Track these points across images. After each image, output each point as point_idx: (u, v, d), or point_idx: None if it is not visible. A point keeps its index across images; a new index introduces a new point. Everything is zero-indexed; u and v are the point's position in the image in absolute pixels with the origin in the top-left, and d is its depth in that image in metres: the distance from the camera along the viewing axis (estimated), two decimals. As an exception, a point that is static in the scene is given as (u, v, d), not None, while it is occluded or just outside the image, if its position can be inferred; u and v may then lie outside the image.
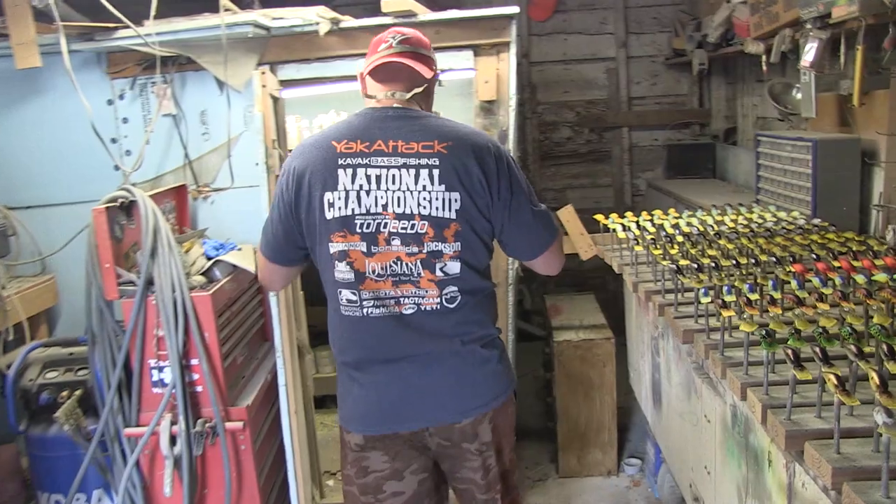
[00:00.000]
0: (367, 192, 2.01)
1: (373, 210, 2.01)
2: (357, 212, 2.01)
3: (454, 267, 2.05)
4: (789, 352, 1.62)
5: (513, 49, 3.40)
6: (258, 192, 2.91)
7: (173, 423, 2.75)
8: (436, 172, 2.01)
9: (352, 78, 3.50)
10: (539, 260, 2.24)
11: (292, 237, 2.15)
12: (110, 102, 3.46)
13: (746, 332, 1.88)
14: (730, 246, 2.80)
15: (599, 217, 3.50)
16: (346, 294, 2.06)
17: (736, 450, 2.12)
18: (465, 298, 2.08)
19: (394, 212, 2.01)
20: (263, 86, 2.75)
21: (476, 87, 3.46)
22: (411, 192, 2.01)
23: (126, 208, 2.84)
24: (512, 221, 2.11)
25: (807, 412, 1.66)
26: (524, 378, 4.79)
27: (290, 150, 4.58)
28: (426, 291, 2.04)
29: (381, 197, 2.01)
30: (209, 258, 2.99)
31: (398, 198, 2.01)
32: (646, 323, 3.35)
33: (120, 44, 3.12)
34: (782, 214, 3.30)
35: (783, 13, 3.36)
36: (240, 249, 3.14)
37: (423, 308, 2.05)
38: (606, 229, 3.46)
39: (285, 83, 3.40)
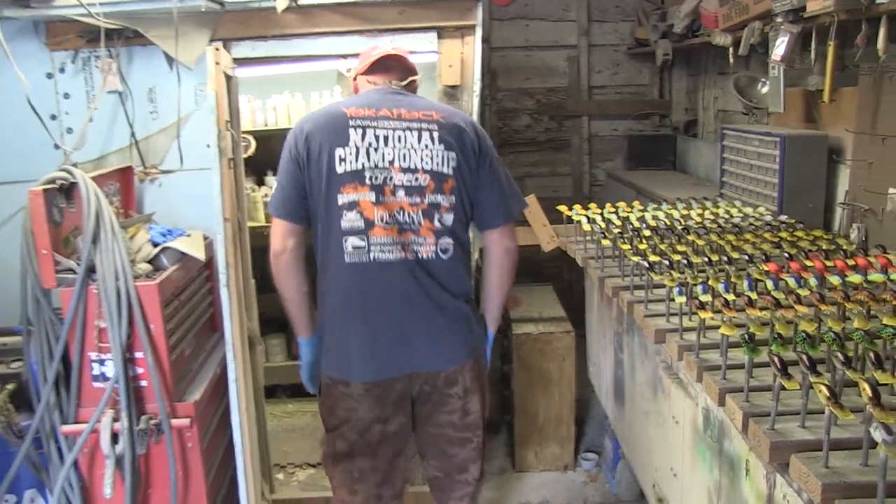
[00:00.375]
0: (376, 150, 2.26)
1: (380, 165, 2.26)
2: (367, 165, 2.25)
3: (449, 219, 2.31)
4: (776, 359, 1.54)
5: (478, 32, 3.28)
6: (210, 176, 2.73)
7: (115, 419, 2.59)
8: (435, 135, 2.30)
9: (310, 58, 3.40)
10: (503, 229, 2.43)
11: (304, 194, 2.32)
12: (50, 76, 3.24)
13: (726, 335, 1.80)
14: (699, 242, 2.74)
15: (563, 208, 3.42)
16: (353, 241, 2.25)
17: (708, 454, 2.05)
18: (455, 251, 2.33)
19: (399, 166, 2.27)
20: (217, 63, 2.58)
21: (439, 70, 3.33)
22: (415, 149, 2.28)
23: (66, 190, 2.65)
24: (491, 186, 2.39)
25: (790, 421, 1.59)
26: (481, 370, 4.70)
27: (244, 133, 4.45)
28: (424, 239, 2.28)
29: (388, 154, 2.27)
30: (156, 245, 2.82)
31: (403, 154, 2.28)
32: (609, 318, 3.28)
33: (60, 13, 2.91)
34: (748, 210, 3.26)
35: (753, 5, 3.30)
36: (189, 236, 2.97)
37: (421, 256, 2.27)
38: (569, 220, 3.38)
39: (239, 61, 3.23)
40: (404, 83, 2.44)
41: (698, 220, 3.17)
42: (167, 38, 3.02)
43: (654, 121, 6.00)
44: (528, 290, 4.61)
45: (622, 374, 3.14)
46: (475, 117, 3.36)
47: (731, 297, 2.05)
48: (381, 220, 2.24)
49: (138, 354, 2.59)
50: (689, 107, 5.78)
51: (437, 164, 2.28)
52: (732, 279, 2.23)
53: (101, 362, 2.60)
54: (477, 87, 3.33)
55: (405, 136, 2.28)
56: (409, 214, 2.26)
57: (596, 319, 3.67)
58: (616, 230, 2.97)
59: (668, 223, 3.06)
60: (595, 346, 3.76)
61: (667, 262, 2.43)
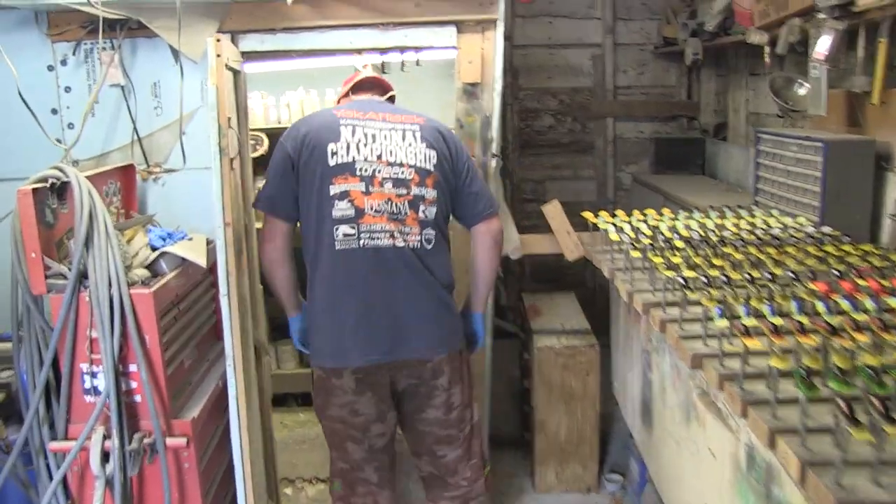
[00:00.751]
0: (365, 145, 2.46)
1: (369, 158, 2.45)
2: (357, 158, 2.44)
3: (432, 211, 2.49)
4: (843, 405, 1.34)
5: (500, 27, 3.09)
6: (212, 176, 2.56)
7: (106, 437, 2.42)
8: (418, 134, 2.54)
9: (321, 52, 3.22)
10: (483, 225, 2.62)
11: (293, 194, 2.49)
12: (51, 68, 3.09)
13: (777, 367, 1.60)
14: (737, 255, 2.53)
15: (588, 215, 3.23)
16: (343, 229, 2.40)
17: (752, 497, 1.84)
18: (438, 242, 2.51)
19: (386, 160, 2.46)
20: (218, 55, 2.40)
21: (458, 67, 3.14)
22: (400, 146, 2.49)
23: (59, 190, 2.48)
24: (471, 183, 2.61)
25: (859, 474, 1.37)
26: (498, 380, 4.48)
27: (253, 131, 4.28)
28: (411, 229, 2.44)
29: (376, 149, 2.47)
30: (154, 249, 2.65)
31: (390, 150, 2.48)
32: (636, 333, 3.08)
33: (58, 1, 2.74)
34: (787, 220, 3.04)
35: (793, 0, 3.08)
36: (190, 239, 2.80)
37: (409, 244, 2.43)
38: (595, 228, 3.19)
39: (247, 56, 3.06)
40: (385, 97, 2.77)
41: (734, 230, 2.96)
42: (171, 30, 2.86)
43: (681, 123, 5.77)
44: (550, 298, 4.40)
45: (650, 395, 2.93)
46: (496, 116, 3.18)
47: (777, 320, 1.84)
48: (371, 209, 2.41)
49: (132, 367, 2.43)
50: (719, 109, 5.54)
51: (421, 161, 2.49)
52: (777, 299, 2.02)
53: (94, 375, 2.43)
54: (498, 85, 3.14)
55: (391, 135, 2.50)
56: (396, 205, 2.43)
57: (622, 333, 3.47)
58: (646, 240, 2.76)
59: (702, 233, 2.85)
60: (620, 361, 3.55)
61: (703, 279, 2.23)
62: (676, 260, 2.49)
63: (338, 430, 2.54)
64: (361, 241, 2.39)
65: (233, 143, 2.57)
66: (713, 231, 2.92)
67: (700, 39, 4.70)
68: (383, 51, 3.80)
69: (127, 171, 3.02)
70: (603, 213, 3.20)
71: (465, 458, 2.64)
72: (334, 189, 2.40)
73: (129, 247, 2.55)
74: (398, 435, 2.68)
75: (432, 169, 2.50)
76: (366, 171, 2.43)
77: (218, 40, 2.38)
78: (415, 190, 2.46)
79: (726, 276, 2.25)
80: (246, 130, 3.15)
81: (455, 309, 2.58)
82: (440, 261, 2.51)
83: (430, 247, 2.47)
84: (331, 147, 2.43)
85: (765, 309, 1.90)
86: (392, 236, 2.40)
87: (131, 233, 2.63)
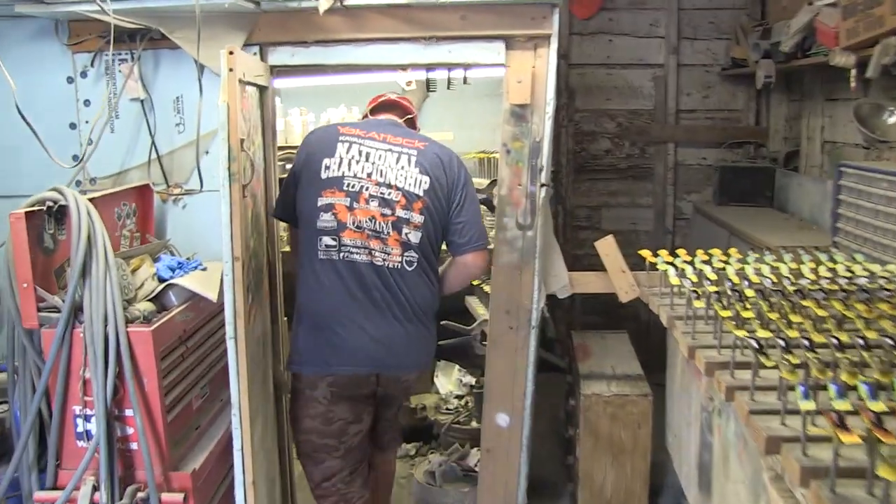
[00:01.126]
0: (357, 162, 2.55)
1: (359, 175, 2.54)
2: (346, 174, 2.53)
3: (416, 236, 2.56)
4: None
5: (553, 44, 2.78)
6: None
7: (96, 488, 2.18)
8: (413, 159, 2.59)
9: (356, 68, 2.97)
10: (467, 258, 2.67)
11: (295, 200, 2.63)
12: (70, 80, 2.91)
13: (887, 479, 1.26)
14: (819, 311, 2.17)
15: (646, 253, 2.91)
16: (325, 240, 2.51)
17: None
18: (420, 265, 2.58)
19: (375, 180, 2.54)
20: (231, 69, 2.14)
21: (506, 87, 2.84)
22: (391, 168, 2.56)
23: (60, 213, 2.27)
24: (457, 214, 2.64)
25: None
26: (541, 416, 4.13)
27: (291, 149, 4.06)
28: (392, 249, 2.53)
29: (367, 167, 2.55)
30: (162, 280, 2.41)
31: (381, 170, 2.56)
32: (695, 388, 2.74)
33: (72, 9, 2.54)
34: (875, 267, 2.66)
35: (890, 16, 2.73)
36: (205, 269, 2.56)
37: (388, 264, 2.53)
38: (652, 267, 2.86)
39: (277, 70, 2.83)
40: (401, 120, 2.82)
41: (812, 277, 2.60)
42: (193, 41, 2.63)
43: (747, 150, 5.40)
44: (601, 337, 4.06)
45: (710, 461, 2.58)
46: (547, 142, 2.87)
47: (879, 406, 1.49)
48: (353, 224, 2.50)
49: (128, 412, 2.18)
50: (789, 136, 5.16)
51: (410, 185, 2.55)
52: (875, 373, 1.67)
53: (87, 418, 2.20)
54: (550, 108, 2.83)
55: (385, 156, 2.57)
56: (380, 223, 2.52)
57: (678, 384, 3.12)
58: (710, 287, 2.43)
59: (775, 280, 2.50)
60: (676, 415, 3.19)
61: (781, 341, 1.88)
62: (747, 314, 2.15)
63: (312, 440, 2.63)
64: (341, 254, 2.50)
65: (246, 167, 2.32)
66: (788, 278, 2.56)
67: (773, 61, 4.34)
68: (428, 67, 3.56)
69: (144, 192, 2.81)
70: (662, 252, 2.88)
71: (399, 421, 3.03)
72: (322, 201, 2.51)
73: (133, 277, 2.32)
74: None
75: (421, 194, 2.56)
76: (353, 187, 2.52)
77: (231, 53, 2.13)
78: (399, 212, 2.53)
79: (808, 338, 1.91)
80: (273, 151, 2.91)
81: (430, 330, 2.70)
82: (419, 283, 2.59)
83: (410, 269, 2.55)
84: (325, 161, 2.54)
85: (862, 389, 1.55)
86: (370, 254, 2.51)
87: (137, 262, 2.39)
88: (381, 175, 2.53)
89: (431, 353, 2.77)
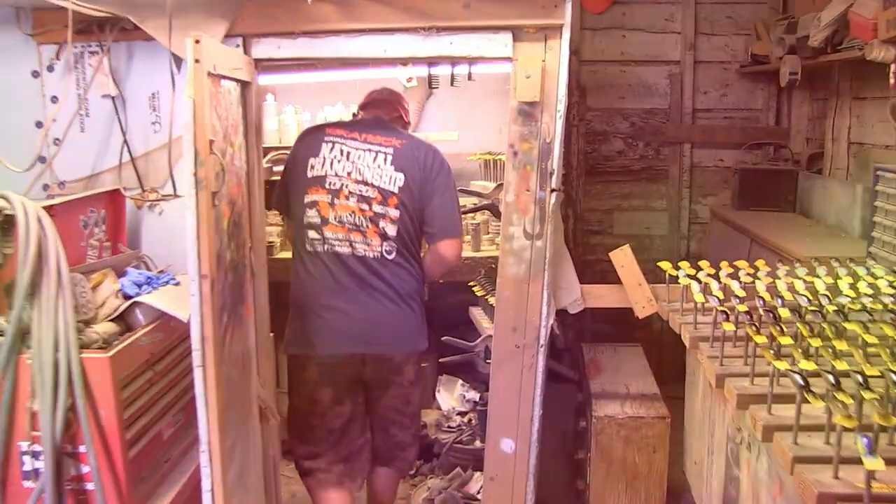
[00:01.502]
0: (338, 161, 2.70)
1: (340, 174, 2.69)
2: (329, 173, 2.69)
3: (392, 229, 2.69)
4: None
5: (565, 35, 2.53)
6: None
7: (47, 534, 1.93)
8: (389, 158, 2.72)
9: (349, 62, 2.73)
10: (439, 245, 2.78)
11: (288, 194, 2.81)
12: (36, 74, 2.67)
13: None
14: (867, 336, 1.91)
15: (665, 265, 2.66)
16: (311, 234, 2.68)
17: None
18: (399, 255, 2.72)
19: (354, 178, 2.69)
20: (197, 60, 1.88)
21: (513, 82, 2.58)
22: (368, 167, 2.70)
23: (7, 223, 2.02)
24: (429, 204, 2.74)
25: None
26: (549, 432, 3.84)
27: (284, 150, 3.82)
28: (372, 240, 2.68)
29: (347, 167, 2.70)
30: (128, 297, 2.16)
31: (359, 168, 2.70)
32: (720, 415, 2.47)
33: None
34: (923, 283, 2.39)
35: (938, 7, 2.46)
36: (177, 283, 2.31)
37: (368, 254, 2.68)
38: (672, 279, 2.61)
39: (262, 64, 2.58)
40: (389, 117, 2.93)
41: (851, 293, 2.34)
42: (167, 31, 2.38)
43: (766, 151, 5.12)
44: (613, 351, 3.80)
45: (737, 497, 2.31)
46: (558, 140, 2.61)
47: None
48: (335, 219, 2.66)
49: (82, 448, 1.93)
50: (812, 137, 4.88)
51: (385, 183, 2.69)
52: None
53: (35, 455, 1.95)
54: (561, 106, 2.57)
55: (363, 155, 2.71)
56: (359, 218, 2.67)
57: (700, 407, 2.85)
58: (740, 306, 2.17)
59: (811, 297, 2.24)
60: (696, 440, 2.93)
61: (831, 377, 1.62)
62: (785, 340, 1.89)
63: (298, 419, 2.77)
64: (325, 246, 2.67)
65: (218, 172, 2.05)
66: (826, 295, 2.30)
67: (800, 56, 4.06)
68: (429, 62, 3.30)
69: (115, 197, 2.57)
70: (683, 264, 2.62)
71: (412, 442, 2.99)
72: (308, 198, 2.69)
73: (93, 295, 2.07)
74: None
75: (396, 191, 2.69)
76: (334, 185, 2.67)
77: (197, 41, 1.87)
78: (376, 208, 2.67)
79: (861, 374, 1.65)
80: (259, 152, 2.67)
81: (416, 312, 2.79)
82: (401, 270, 2.73)
83: (389, 258, 2.70)
84: (311, 161, 2.70)
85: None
86: (351, 246, 2.67)
87: (99, 276, 2.14)
88: (359, 173, 2.68)
89: (420, 335, 2.82)
